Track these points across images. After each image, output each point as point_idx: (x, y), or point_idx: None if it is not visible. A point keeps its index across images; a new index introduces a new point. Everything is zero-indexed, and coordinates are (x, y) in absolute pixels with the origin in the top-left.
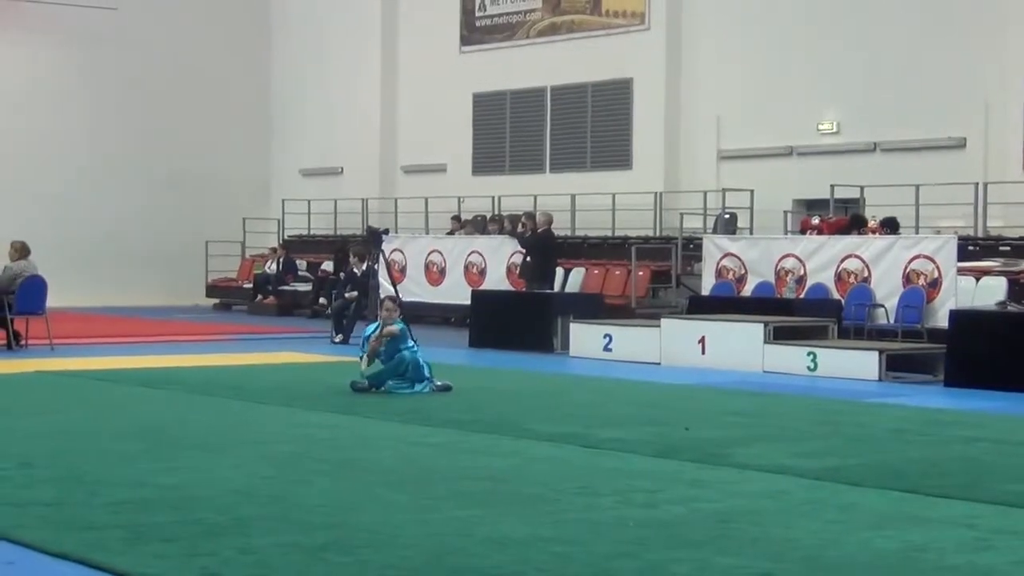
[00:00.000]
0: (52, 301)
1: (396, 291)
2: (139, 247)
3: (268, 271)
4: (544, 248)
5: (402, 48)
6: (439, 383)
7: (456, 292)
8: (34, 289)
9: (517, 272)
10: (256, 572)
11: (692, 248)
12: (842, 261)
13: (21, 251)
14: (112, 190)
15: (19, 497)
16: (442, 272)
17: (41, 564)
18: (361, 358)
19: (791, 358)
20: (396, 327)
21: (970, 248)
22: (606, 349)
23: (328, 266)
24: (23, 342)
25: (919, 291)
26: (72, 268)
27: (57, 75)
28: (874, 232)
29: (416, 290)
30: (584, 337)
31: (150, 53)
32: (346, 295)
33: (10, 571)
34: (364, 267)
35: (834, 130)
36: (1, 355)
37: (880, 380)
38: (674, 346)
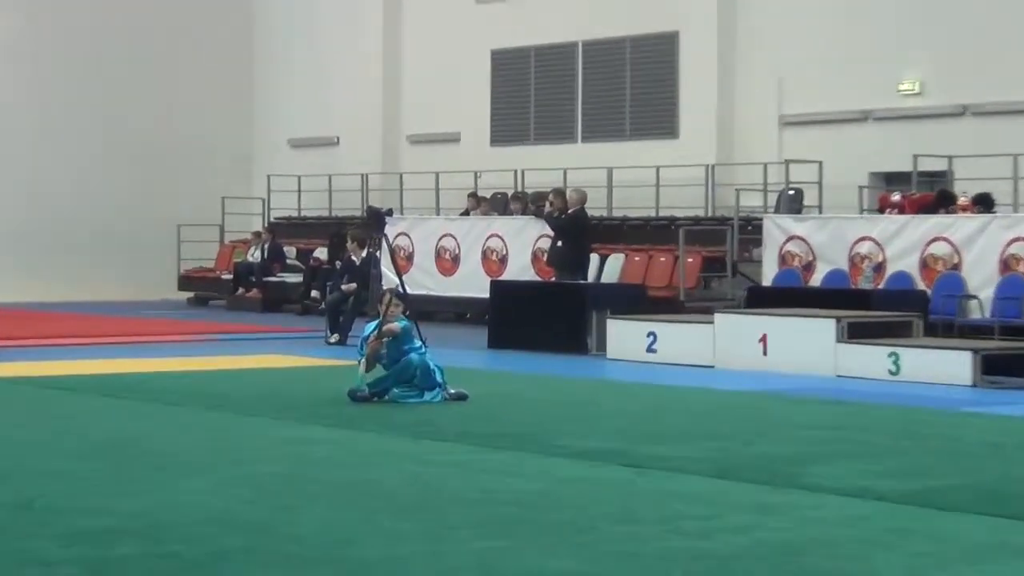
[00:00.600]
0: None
1: (401, 282)
2: (97, 232)
3: (251, 259)
4: (576, 231)
5: None
6: (453, 391)
7: (472, 283)
8: None
9: (544, 259)
10: None
11: (750, 230)
12: (928, 245)
13: None
14: (64, 164)
15: None
16: (456, 260)
17: None
18: (360, 362)
19: (869, 360)
20: (399, 325)
21: None
22: (650, 350)
23: (322, 253)
24: None
25: (1019, 279)
26: (14, 256)
27: None
28: (965, 210)
29: (425, 281)
30: (624, 336)
31: (110, 6)
32: (343, 287)
33: None
34: (364, 254)
35: (916, 91)
36: None
37: (974, 386)
38: (730, 346)
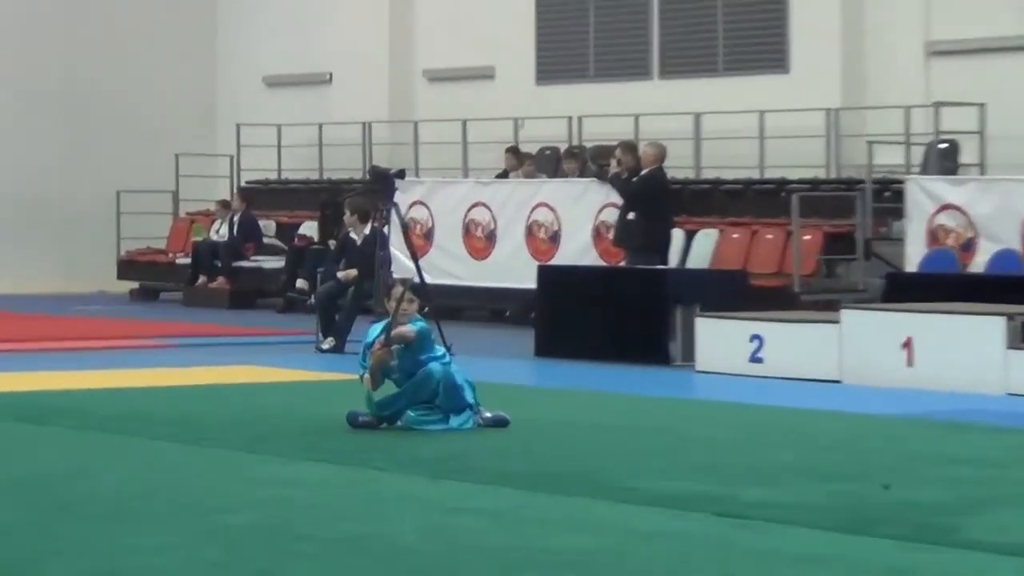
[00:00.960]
0: None
1: (418, 269)
2: (11, 204)
3: (216, 238)
4: (652, 199)
5: None
6: (488, 414)
7: (513, 269)
8: None
9: (611, 236)
10: None
11: (888, 197)
12: None
13: None
14: None
15: None
16: (491, 237)
17: None
18: (362, 376)
19: None
20: (414, 327)
21: None
22: (754, 359)
23: (310, 229)
24: None
25: None
26: None
27: None
28: None
29: (450, 267)
30: (718, 340)
31: None
32: (339, 275)
33: None
34: (367, 231)
35: None
36: None
37: None
38: (863, 353)
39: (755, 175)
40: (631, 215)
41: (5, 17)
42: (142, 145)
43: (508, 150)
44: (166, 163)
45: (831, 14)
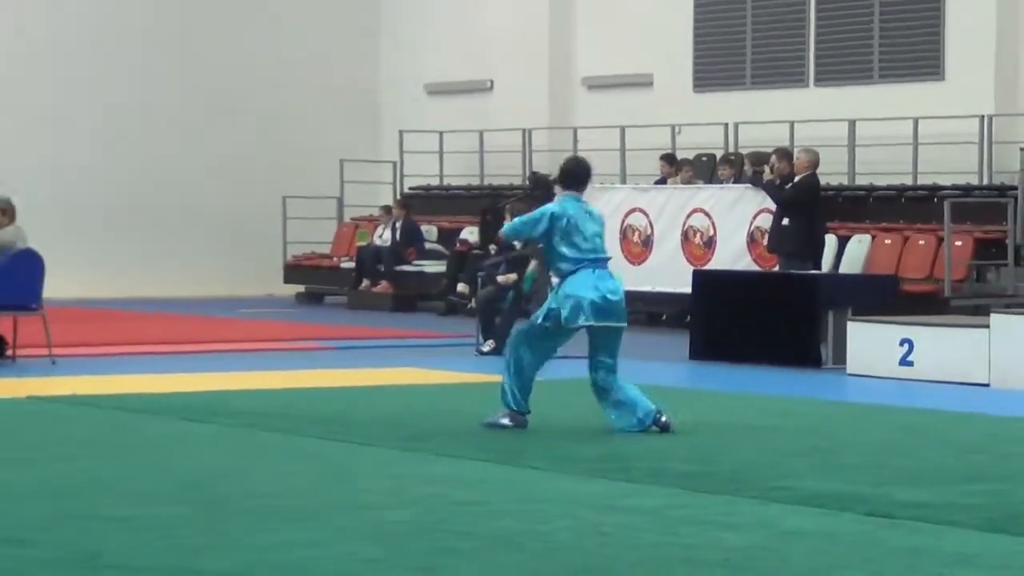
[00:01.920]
0: (52, 291)
1: None
2: (181, 209)
3: (379, 242)
4: (806, 204)
5: None
6: (664, 419)
7: (669, 274)
8: (25, 271)
9: (765, 242)
10: None
11: None
12: None
13: (8, 213)
14: (140, 128)
15: None
16: (647, 243)
17: None
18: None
19: None
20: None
21: None
22: (904, 362)
23: (471, 235)
24: (8, 352)
25: None
26: (79, 241)
27: None
28: None
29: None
30: (870, 344)
31: None
32: (499, 279)
33: None
34: None
35: None
36: None
37: None
38: (1012, 358)
39: (908, 181)
40: (785, 221)
41: (177, 28)
42: (307, 152)
43: (662, 157)
44: (331, 169)
45: (986, 22)
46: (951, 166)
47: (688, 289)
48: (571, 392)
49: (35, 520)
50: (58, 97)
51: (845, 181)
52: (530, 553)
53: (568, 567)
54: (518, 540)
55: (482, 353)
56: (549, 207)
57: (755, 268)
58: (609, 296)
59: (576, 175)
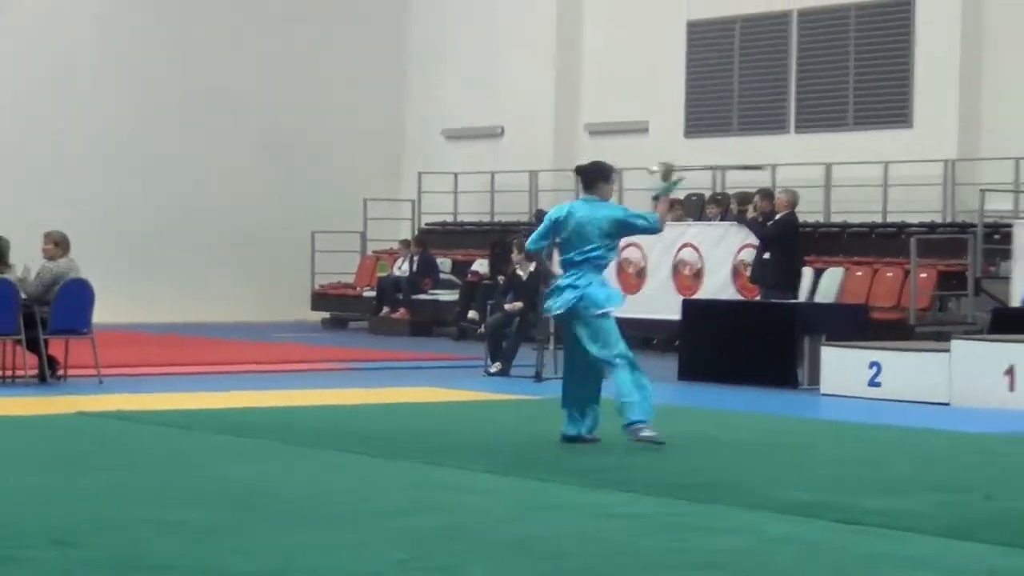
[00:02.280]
0: (100, 316)
1: None
2: (218, 241)
3: (398, 273)
4: (785, 240)
5: None
6: (646, 434)
7: (661, 302)
8: (77, 298)
9: (748, 274)
10: None
11: (997, 239)
12: None
13: (62, 245)
14: (182, 165)
15: None
16: (641, 274)
17: None
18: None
19: None
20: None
21: None
22: (873, 383)
23: (482, 266)
24: (60, 372)
25: None
26: (127, 271)
27: (114, 11)
28: None
29: None
30: (842, 366)
31: None
32: (506, 307)
33: None
34: (532, 268)
35: None
36: (32, 390)
37: None
38: (971, 379)
39: (878, 219)
40: (766, 255)
41: (226, 80)
42: (334, 190)
43: (654, 198)
44: (355, 206)
45: (950, 75)
46: (917, 206)
47: (678, 316)
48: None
49: (81, 524)
50: (110, 143)
51: (821, 219)
52: (537, 556)
53: (569, 568)
54: (527, 545)
55: (490, 374)
56: (552, 211)
57: (739, 298)
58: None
59: (583, 174)
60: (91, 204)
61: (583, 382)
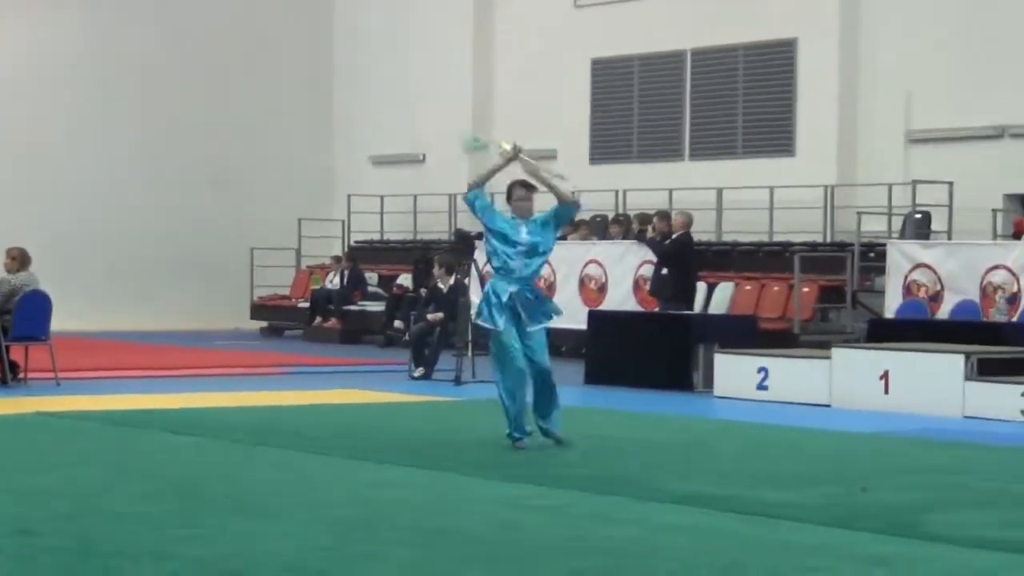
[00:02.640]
0: (57, 324)
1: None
2: (167, 257)
3: (330, 286)
4: (682, 257)
5: (500, 3)
6: (556, 432)
7: (569, 313)
8: (35, 308)
9: (647, 287)
10: None
11: (872, 257)
12: None
13: (20, 260)
14: (134, 187)
15: (16, 574)
16: (551, 288)
17: None
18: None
19: (1001, 399)
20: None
21: None
22: (761, 387)
23: (406, 280)
24: (21, 375)
25: None
26: (81, 283)
27: (66, 53)
28: None
29: None
30: (733, 371)
31: (184, 20)
32: (428, 317)
33: None
34: (452, 281)
35: None
36: None
37: None
38: (849, 383)
39: (765, 239)
40: (664, 271)
41: (168, 106)
42: (272, 210)
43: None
44: (291, 225)
45: (829, 109)
46: (800, 227)
47: (584, 326)
48: (486, 409)
49: (42, 515)
50: (74, 175)
51: (713, 238)
52: (454, 543)
53: (481, 554)
54: (444, 532)
55: (414, 378)
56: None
57: (639, 309)
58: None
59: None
60: (49, 229)
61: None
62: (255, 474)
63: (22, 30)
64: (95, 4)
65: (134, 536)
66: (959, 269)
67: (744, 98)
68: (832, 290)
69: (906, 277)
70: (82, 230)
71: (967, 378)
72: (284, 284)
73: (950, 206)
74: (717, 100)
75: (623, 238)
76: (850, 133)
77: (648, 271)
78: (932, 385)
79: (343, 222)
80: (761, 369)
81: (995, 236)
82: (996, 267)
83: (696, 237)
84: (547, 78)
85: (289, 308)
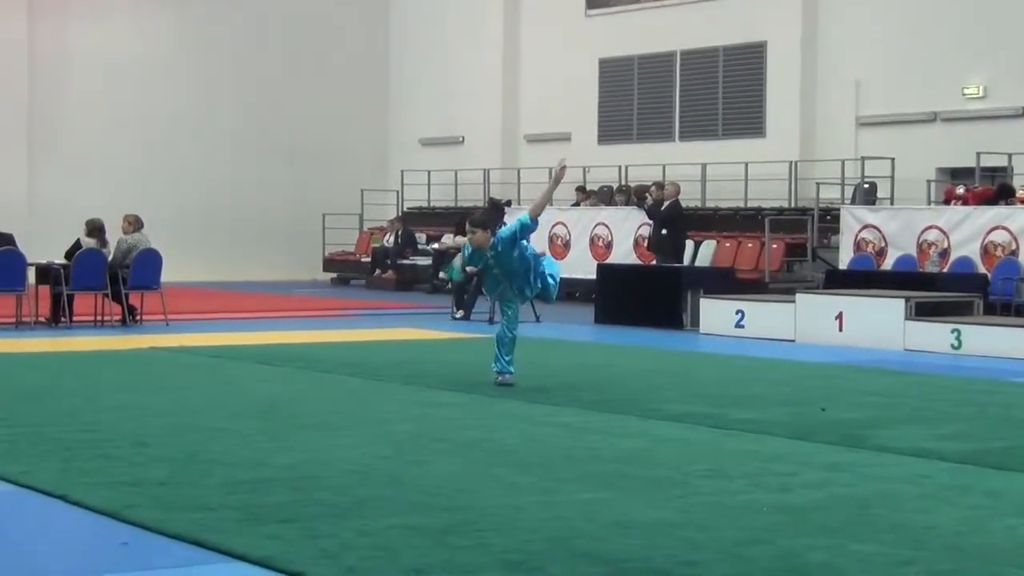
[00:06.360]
0: (167, 276)
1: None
2: (255, 221)
3: (386, 244)
4: (672, 220)
5: (525, 12)
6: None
7: (581, 266)
8: (148, 263)
9: (645, 245)
10: (376, 555)
11: (829, 220)
12: (988, 233)
13: (135, 224)
14: (228, 163)
15: (133, 476)
16: (566, 245)
17: (155, 544)
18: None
19: (934, 336)
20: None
21: None
22: (738, 326)
23: (449, 239)
24: (138, 317)
25: None
26: (187, 242)
27: (170, 46)
28: (1023, 202)
29: None
30: (715, 313)
31: (265, 22)
32: (468, 269)
33: (124, 552)
34: None
35: (980, 95)
36: (116, 331)
37: None
38: (810, 323)
39: (741, 205)
40: (663, 231)
41: (253, 96)
42: (339, 183)
43: (578, 188)
44: (354, 195)
45: (793, 97)
46: (770, 195)
47: (594, 276)
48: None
49: (156, 430)
50: (174, 151)
51: (699, 204)
52: (489, 452)
53: (512, 461)
54: (481, 444)
55: (455, 319)
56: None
57: (639, 262)
58: None
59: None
60: (164, 198)
61: None
62: (327, 397)
63: (130, 26)
64: (189, 3)
65: (230, 448)
66: (900, 229)
67: (723, 90)
68: (796, 247)
69: (856, 236)
70: (184, 201)
71: (907, 318)
72: (350, 243)
73: (892, 178)
74: (701, 92)
75: (625, 204)
76: (810, 118)
77: (646, 232)
78: (878, 324)
79: (397, 192)
80: (738, 311)
81: (929, 202)
82: (930, 227)
83: (684, 204)
84: (563, 74)
85: (354, 262)
